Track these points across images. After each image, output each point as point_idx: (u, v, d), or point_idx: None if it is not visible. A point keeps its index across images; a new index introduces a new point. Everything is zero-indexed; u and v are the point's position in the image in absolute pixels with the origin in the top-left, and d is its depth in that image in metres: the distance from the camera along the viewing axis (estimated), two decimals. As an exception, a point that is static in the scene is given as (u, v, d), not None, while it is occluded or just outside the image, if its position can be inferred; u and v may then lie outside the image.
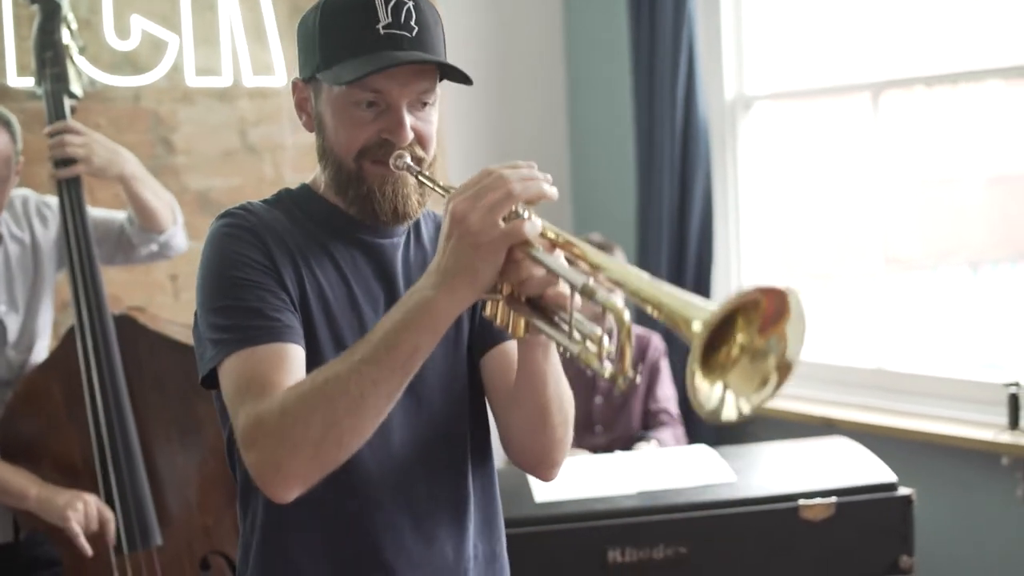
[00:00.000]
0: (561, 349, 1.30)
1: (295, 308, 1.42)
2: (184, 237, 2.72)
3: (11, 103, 2.85)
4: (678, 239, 3.85)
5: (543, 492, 2.58)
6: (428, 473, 1.50)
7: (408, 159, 1.42)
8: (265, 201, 1.52)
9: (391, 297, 1.48)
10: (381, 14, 1.40)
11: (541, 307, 1.31)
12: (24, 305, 2.55)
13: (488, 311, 1.35)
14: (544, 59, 4.31)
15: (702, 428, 3.75)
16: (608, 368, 1.20)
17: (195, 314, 1.46)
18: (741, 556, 2.50)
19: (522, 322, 1.33)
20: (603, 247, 3.36)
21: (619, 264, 1.24)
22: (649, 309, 1.15)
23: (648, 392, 3.45)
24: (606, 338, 1.22)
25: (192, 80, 3.45)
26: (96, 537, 2.41)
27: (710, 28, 3.86)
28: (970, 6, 3.39)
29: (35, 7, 2.60)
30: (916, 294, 3.65)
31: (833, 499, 2.50)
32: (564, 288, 1.27)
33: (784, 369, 1.16)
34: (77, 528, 2.36)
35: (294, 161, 3.63)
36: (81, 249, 2.48)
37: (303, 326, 1.42)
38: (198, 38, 3.44)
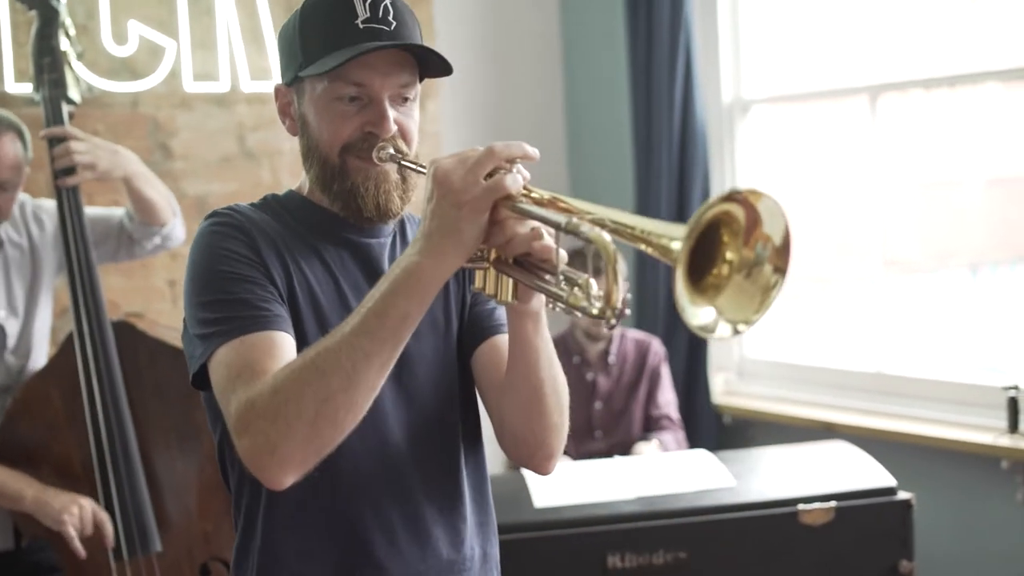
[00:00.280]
0: (551, 305, 1.30)
1: (283, 300, 1.42)
2: (183, 227, 2.74)
3: (9, 109, 2.84)
4: (677, 243, 3.85)
5: (542, 497, 2.58)
6: (421, 472, 1.49)
7: (391, 150, 1.44)
8: (252, 204, 1.53)
9: None
10: (360, 9, 1.43)
11: (529, 266, 1.30)
12: (23, 310, 2.55)
13: (477, 282, 1.35)
14: (542, 63, 4.31)
15: (703, 433, 3.75)
16: (596, 307, 1.20)
17: (183, 320, 1.46)
18: (741, 561, 2.50)
19: (510, 285, 1.33)
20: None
21: (602, 208, 1.23)
22: (638, 244, 1.16)
23: (649, 397, 3.44)
24: (592, 281, 1.22)
25: (190, 85, 3.45)
26: (94, 541, 2.40)
27: (707, 31, 3.86)
28: (967, 9, 3.39)
29: (33, 13, 2.60)
30: (916, 297, 3.65)
31: (832, 503, 2.50)
32: (549, 241, 1.26)
33: (783, 264, 1.16)
34: (72, 531, 2.36)
35: (292, 166, 3.63)
36: (80, 256, 2.49)
37: (292, 322, 1.42)
38: (196, 43, 3.44)
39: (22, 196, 2.62)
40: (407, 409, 1.48)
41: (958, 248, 3.79)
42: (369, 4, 1.43)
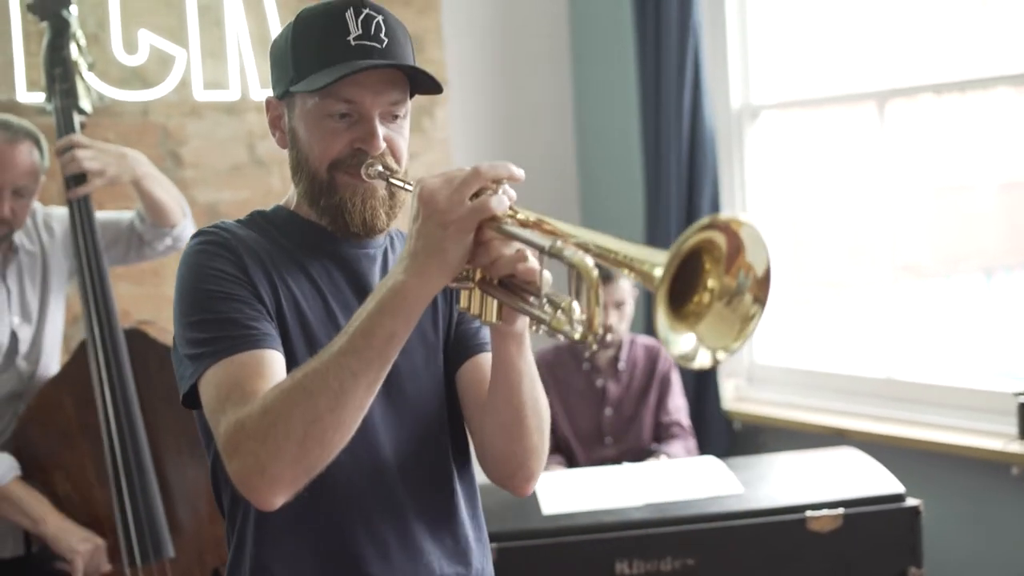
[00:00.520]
0: (534, 327, 1.30)
1: (271, 318, 1.42)
2: (194, 228, 2.76)
3: (20, 118, 2.87)
4: (686, 249, 3.85)
5: (551, 504, 2.59)
6: (411, 487, 1.49)
7: (379, 167, 1.45)
8: (239, 221, 1.53)
9: None
10: (352, 26, 1.44)
11: (513, 288, 1.31)
12: (36, 316, 2.58)
13: (462, 302, 1.36)
14: (551, 70, 4.31)
15: (713, 439, 3.75)
16: (579, 331, 1.21)
17: (173, 338, 1.46)
18: (749, 568, 2.50)
19: (495, 306, 1.33)
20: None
21: (587, 231, 1.24)
22: (621, 269, 1.16)
23: (659, 404, 3.44)
24: (575, 304, 1.22)
25: (200, 94, 3.47)
26: (111, 551, 2.44)
27: (716, 37, 3.87)
28: (975, 14, 3.39)
29: (45, 24, 2.63)
30: (928, 302, 3.64)
31: (840, 510, 2.50)
32: (534, 263, 1.27)
33: (763, 295, 1.16)
34: (80, 564, 2.42)
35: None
36: (92, 266, 2.51)
37: (281, 339, 1.42)
38: (205, 52, 3.47)
39: (34, 204, 2.64)
40: (397, 424, 1.48)
41: (971, 252, 3.78)
42: (361, 21, 1.44)
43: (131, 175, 2.57)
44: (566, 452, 3.41)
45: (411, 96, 1.50)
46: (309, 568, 1.46)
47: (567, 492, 2.66)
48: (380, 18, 1.45)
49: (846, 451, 2.89)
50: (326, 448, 1.29)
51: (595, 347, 1.20)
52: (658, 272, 1.10)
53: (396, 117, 1.48)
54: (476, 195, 1.27)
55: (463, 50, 4.07)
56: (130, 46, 3.33)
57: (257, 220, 1.54)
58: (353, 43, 1.43)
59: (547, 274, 1.27)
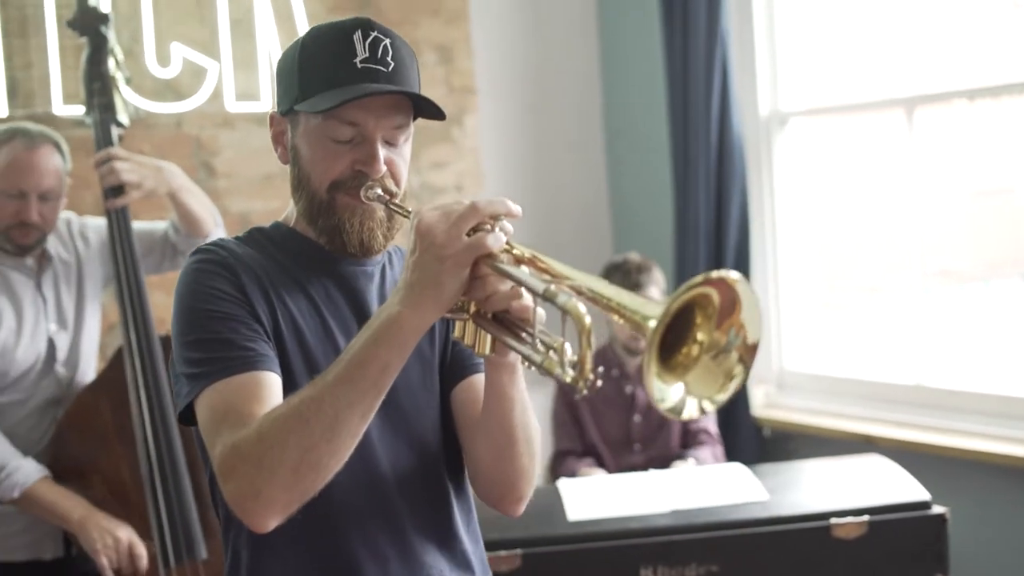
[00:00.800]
0: (526, 364, 1.32)
1: (269, 338, 1.43)
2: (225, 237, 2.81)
3: (57, 131, 2.93)
4: (715, 256, 3.86)
5: (576, 510, 2.61)
6: (409, 501, 1.50)
7: (378, 191, 1.46)
8: (237, 238, 1.55)
9: (364, 326, 1.46)
10: (359, 49, 1.44)
11: (507, 323, 1.33)
12: (72, 323, 2.64)
13: (456, 331, 1.38)
14: (580, 78, 4.34)
15: (742, 446, 3.75)
16: (570, 374, 1.22)
17: (171, 356, 1.47)
18: (773, 574, 2.51)
19: (488, 340, 1.35)
20: (641, 266, 3.38)
21: (582, 274, 1.26)
22: (612, 315, 1.18)
23: None
24: (568, 346, 1.24)
25: (232, 105, 3.53)
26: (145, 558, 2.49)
27: (743, 44, 3.88)
28: (1008, 18, 3.37)
29: (84, 40, 2.70)
30: (963, 307, 3.62)
31: (866, 517, 2.50)
32: (528, 301, 1.28)
33: (748, 358, 1.18)
34: (105, 562, 2.45)
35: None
36: (129, 274, 2.58)
37: (277, 357, 1.43)
38: (237, 64, 3.52)
39: (68, 214, 2.71)
40: (393, 439, 1.49)
41: (1009, 257, 3.75)
42: (369, 44, 1.45)
43: (167, 187, 2.63)
44: (595, 458, 3.44)
45: (414, 119, 1.51)
46: None
47: (592, 498, 2.69)
48: (388, 41, 1.46)
49: (872, 458, 2.89)
50: (320, 474, 1.31)
51: (585, 392, 1.21)
52: (652, 324, 1.12)
53: (398, 140, 1.49)
54: (475, 229, 1.29)
55: (492, 60, 4.11)
56: (163, 59, 3.39)
57: (256, 237, 1.55)
58: (360, 66, 1.44)
59: (541, 312, 1.28)
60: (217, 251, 1.48)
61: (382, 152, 1.46)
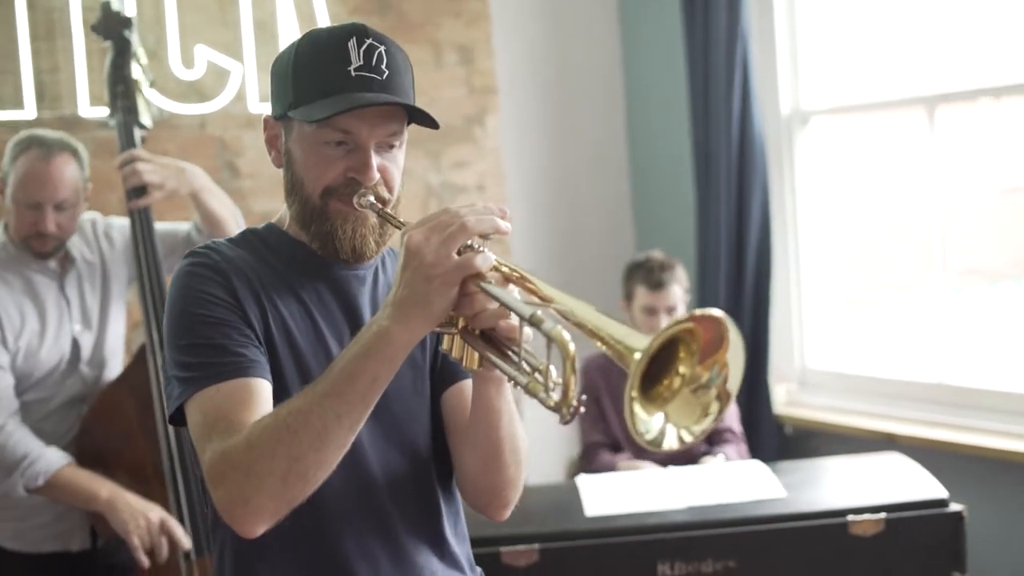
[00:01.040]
0: (512, 383, 1.33)
1: (260, 343, 1.44)
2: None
3: (83, 132, 3.00)
4: (736, 254, 3.86)
5: (594, 506, 2.63)
6: (399, 503, 1.52)
7: (371, 198, 1.46)
8: (230, 240, 1.55)
9: (356, 331, 1.47)
10: (353, 56, 1.45)
11: (494, 340, 1.34)
12: (97, 323, 2.69)
13: (444, 345, 1.40)
14: (602, 77, 4.35)
15: (764, 444, 3.75)
16: (554, 399, 1.23)
17: (163, 357, 1.49)
18: (790, 571, 2.51)
19: (476, 355, 1.37)
20: (664, 264, 3.37)
21: (569, 298, 1.27)
22: (596, 342, 1.20)
23: None
24: (553, 369, 1.25)
25: (255, 106, 3.57)
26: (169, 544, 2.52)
27: (764, 42, 3.87)
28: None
29: (108, 43, 2.75)
30: (990, 305, 3.59)
31: (882, 515, 2.50)
32: (515, 320, 1.30)
33: (725, 398, 1.21)
34: (136, 542, 2.47)
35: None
36: (151, 274, 2.63)
37: (269, 361, 1.44)
38: (261, 66, 3.56)
39: (93, 215, 2.76)
40: (383, 442, 1.51)
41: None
42: (363, 51, 1.45)
43: (189, 188, 2.66)
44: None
45: (409, 124, 1.50)
46: None
47: (610, 494, 2.70)
48: (382, 48, 1.46)
49: (891, 456, 2.89)
50: (308, 483, 1.33)
51: (568, 419, 1.21)
52: (637, 356, 1.13)
53: (392, 146, 1.49)
54: (469, 245, 1.30)
55: (513, 60, 4.13)
56: (188, 61, 3.44)
57: (249, 238, 1.56)
58: (353, 74, 1.44)
59: (528, 331, 1.30)
60: (209, 254, 1.49)
61: (375, 159, 1.46)
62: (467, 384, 1.54)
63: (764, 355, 3.83)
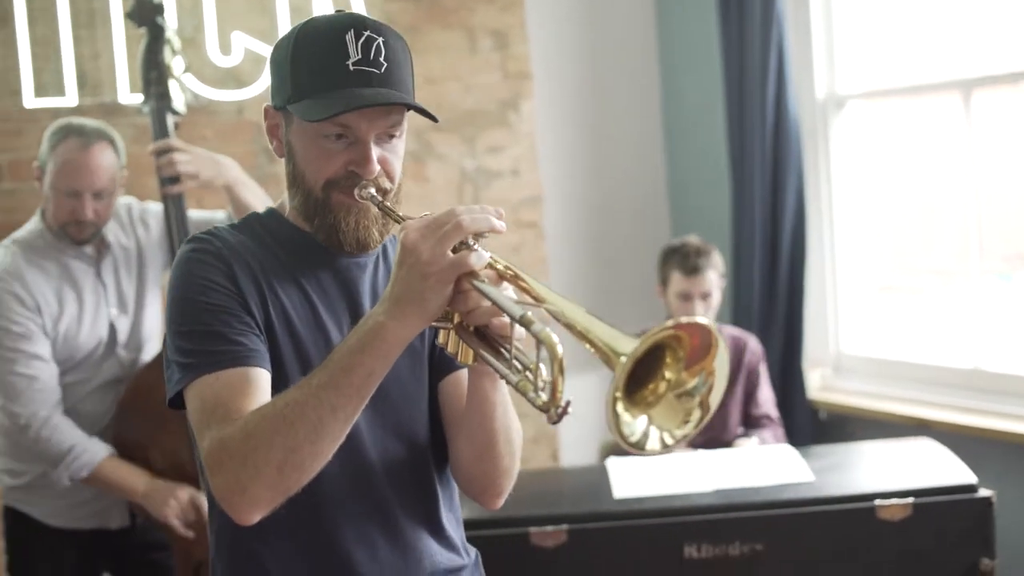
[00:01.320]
0: (503, 380, 1.35)
1: (260, 331, 1.45)
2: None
3: (122, 118, 3.05)
4: (771, 239, 3.85)
5: (622, 488, 2.65)
6: (396, 489, 1.54)
7: (372, 190, 1.47)
8: (232, 226, 1.56)
9: (356, 318, 1.50)
10: (351, 50, 1.44)
11: (487, 337, 1.37)
12: (133, 307, 2.74)
13: (440, 339, 1.42)
14: (636, 62, 4.34)
15: (798, 429, 3.74)
16: (542, 398, 1.25)
17: (164, 337, 1.50)
18: (817, 554, 2.51)
19: (470, 350, 1.39)
20: (700, 250, 3.36)
21: (560, 298, 1.29)
22: (585, 343, 1.22)
23: (748, 397, 3.42)
24: (543, 369, 1.27)
25: (292, 92, 3.60)
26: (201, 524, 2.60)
27: (800, 27, 3.85)
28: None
29: (143, 30, 2.80)
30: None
31: (910, 500, 2.49)
32: (507, 318, 1.31)
33: (706, 409, 1.23)
34: (176, 522, 2.61)
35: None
36: None
37: (269, 348, 1.46)
38: (297, 52, 3.59)
39: (129, 200, 2.82)
40: (381, 428, 1.53)
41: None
42: (362, 44, 1.44)
43: (223, 179, 2.71)
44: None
45: (409, 110, 1.49)
46: (299, 567, 1.50)
47: (638, 476, 2.72)
48: (380, 40, 1.46)
49: (921, 442, 2.87)
50: (304, 473, 1.36)
51: (556, 420, 1.23)
52: (623, 360, 1.16)
53: (392, 136, 1.49)
54: (464, 243, 1.33)
55: (548, 44, 4.13)
56: (225, 48, 3.49)
57: (251, 224, 1.57)
58: (352, 68, 1.44)
59: (520, 329, 1.31)
60: (211, 241, 1.50)
61: (375, 151, 1.47)
62: (463, 374, 1.55)
63: (798, 340, 3.82)
